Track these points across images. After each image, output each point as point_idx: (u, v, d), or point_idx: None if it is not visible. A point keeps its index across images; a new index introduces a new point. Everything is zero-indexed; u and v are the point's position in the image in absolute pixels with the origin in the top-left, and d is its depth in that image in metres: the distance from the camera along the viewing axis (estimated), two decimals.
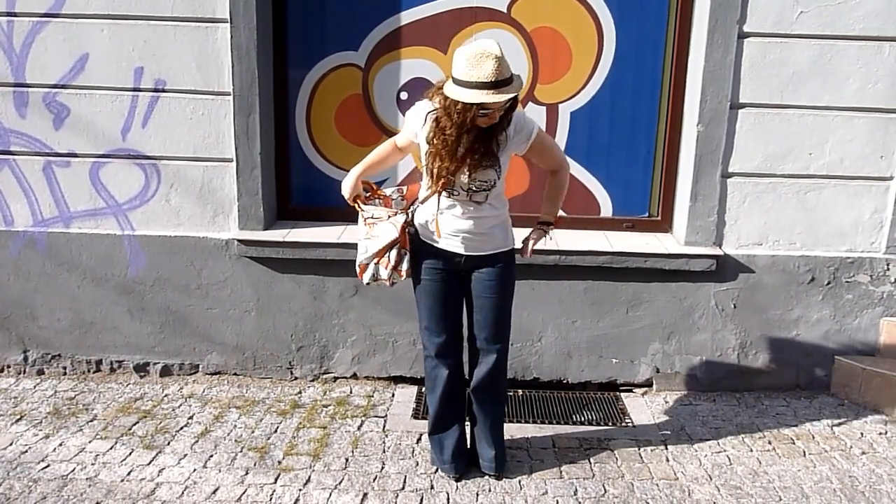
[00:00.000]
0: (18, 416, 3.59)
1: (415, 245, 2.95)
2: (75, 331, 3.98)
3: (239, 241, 3.81)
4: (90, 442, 3.37)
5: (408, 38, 3.83)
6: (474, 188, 2.80)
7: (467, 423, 3.19)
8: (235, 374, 4.04)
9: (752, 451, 3.42)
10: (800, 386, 4.00)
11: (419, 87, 3.76)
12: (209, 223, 3.85)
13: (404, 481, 3.12)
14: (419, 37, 3.83)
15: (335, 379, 4.03)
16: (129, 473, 3.13)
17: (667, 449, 3.41)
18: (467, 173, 2.75)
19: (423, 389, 3.61)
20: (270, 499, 2.99)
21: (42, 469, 3.15)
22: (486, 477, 3.14)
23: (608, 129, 3.92)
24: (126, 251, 3.88)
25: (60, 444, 3.34)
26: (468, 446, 3.20)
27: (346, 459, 3.27)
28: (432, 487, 3.08)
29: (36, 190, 3.83)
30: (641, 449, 3.41)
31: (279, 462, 3.24)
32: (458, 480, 3.11)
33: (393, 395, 3.88)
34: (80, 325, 3.97)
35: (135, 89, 3.70)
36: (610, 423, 3.64)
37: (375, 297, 3.86)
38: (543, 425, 3.60)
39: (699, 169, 3.72)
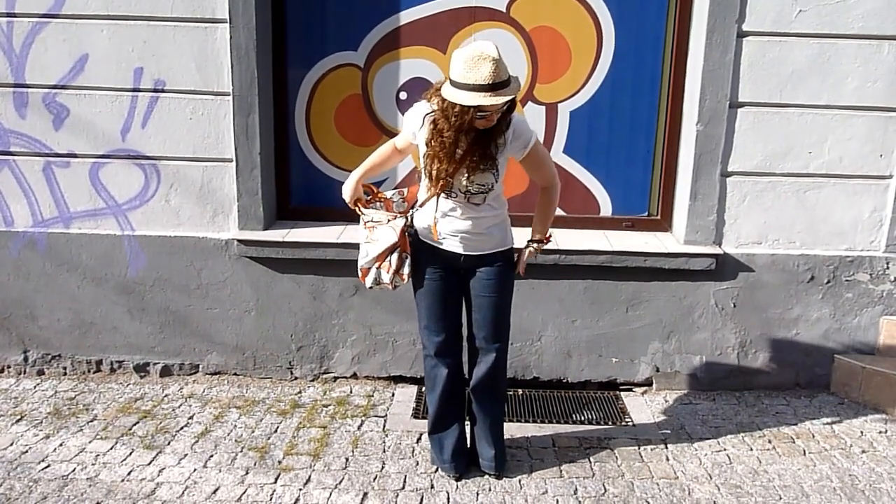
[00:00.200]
0: (19, 417, 3.59)
1: (415, 245, 2.96)
2: (75, 331, 3.99)
3: (239, 241, 3.81)
4: (90, 442, 3.37)
5: (407, 38, 3.83)
6: (472, 190, 2.80)
7: (467, 422, 3.20)
8: (235, 374, 4.04)
9: (752, 449, 3.42)
10: (800, 385, 4.00)
11: (418, 87, 3.77)
12: (209, 223, 3.85)
13: (404, 481, 3.12)
14: (418, 36, 3.83)
15: (335, 379, 4.03)
16: (129, 473, 3.13)
17: (667, 448, 3.42)
18: (466, 175, 2.76)
19: (423, 389, 3.61)
20: (271, 498, 2.99)
21: (42, 469, 3.15)
22: (486, 476, 3.14)
23: (607, 129, 3.92)
24: (126, 251, 3.88)
25: (61, 445, 3.34)
26: (468, 445, 3.20)
27: (347, 459, 3.27)
28: (432, 487, 3.08)
29: (36, 190, 3.84)
30: (641, 448, 3.41)
31: (279, 462, 3.24)
32: (458, 480, 3.12)
33: (393, 395, 3.88)
34: (80, 325, 3.98)
35: (134, 90, 3.70)
36: (610, 423, 3.64)
37: (375, 297, 3.86)
38: (543, 424, 3.60)
39: (699, 168, 3.72)
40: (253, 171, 3.76)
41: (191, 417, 3.62)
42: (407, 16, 3.81)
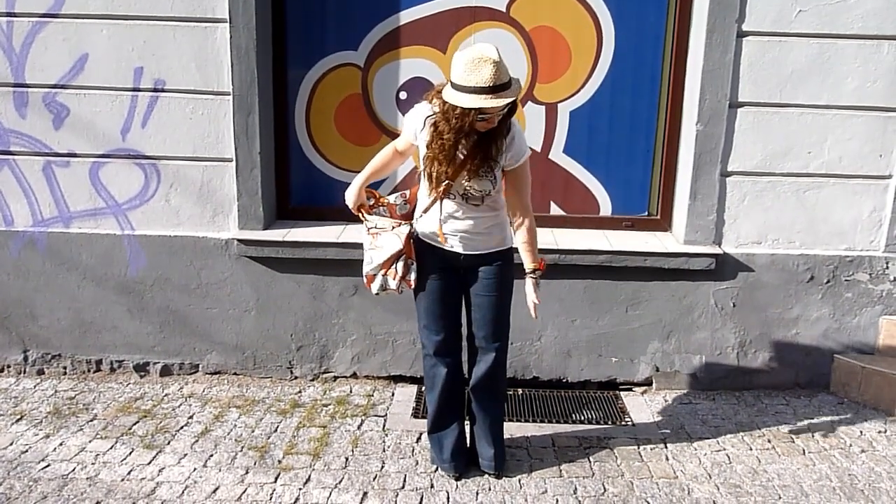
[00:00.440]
0: (19, 416, 3.60)
1: (414, 245, 2.96)
2: (75, 330, 3.99)
3: (239, 240, 3.81)
4: (90, 441, 3.37)
5: (407, 38, 3.83)
6: (472, 193, 2.81)
7: (467, 421, 3.20)
8: (235, 373, 4.04)
9: (751, 449, 3.42)
10: (799, 384, 4.00)
11: (418, 87, 3.77)
12: (209, 223, 3.85)
13: (404, 480, 3.12)
14: (418, 36, 3.83)
15: (335, 378, 4.03)
16: (129, 473, 3.13)
17: (666, 447, 3.42)
18: (466, 178, 2.76)
19: (423, 388, 3.61)
20: (270, 498, 2.99)
21: (42, 469, 3.15)
22: (486, 476, 3.14)
23: (607, 128, 3.92)
24: (126, 251, 3.88)
25: (61, 444, 3.35)
26: (468, 445, 3.20)
27: (346, 458, 3.27)
28: (432, 486, 3.08)
29: (36, 190, 3.84)
30: (641, 448, 3.41)
31: (279, 461, 3.25)
32: (457, 479, 3.12)
33: (393, 395, 3.88)
34: (80, 324, 3.98)
35: (134, 89, 3.70)
36: (609, 422, 3.64)
37: (375, 297, 3.83)
38: (543, 424, 3.60)
39: (698, 168, 3.72)
40: (253, 170, 3.76)
41: (191, 417, 3.62)
42: (407, 15, 3.81)
